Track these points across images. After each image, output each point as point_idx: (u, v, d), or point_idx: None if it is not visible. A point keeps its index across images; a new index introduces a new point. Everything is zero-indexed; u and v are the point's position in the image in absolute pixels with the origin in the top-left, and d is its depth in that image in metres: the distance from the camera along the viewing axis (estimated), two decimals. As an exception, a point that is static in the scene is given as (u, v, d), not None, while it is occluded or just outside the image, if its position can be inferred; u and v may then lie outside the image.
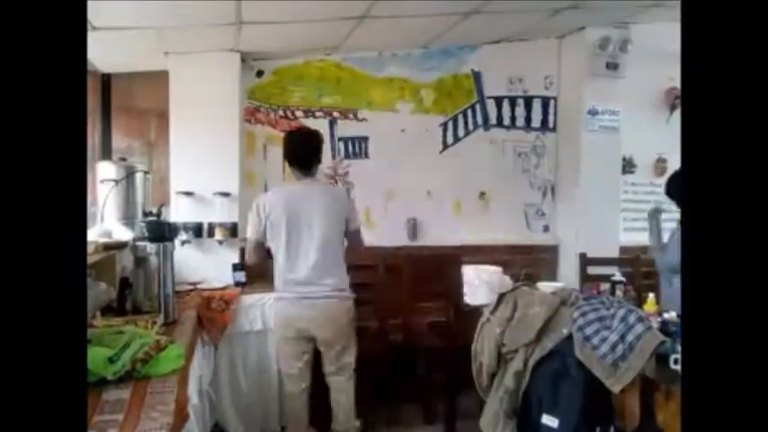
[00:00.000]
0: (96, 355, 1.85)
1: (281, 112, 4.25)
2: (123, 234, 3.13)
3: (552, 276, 4.41)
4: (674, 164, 4.72)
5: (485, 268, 3.24)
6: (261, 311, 3.56)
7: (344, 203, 3.05)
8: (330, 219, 2.94)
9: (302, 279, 2.90)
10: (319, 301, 2.91)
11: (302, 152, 3.02)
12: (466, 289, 3.20)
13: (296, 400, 3.06)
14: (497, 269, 3.22)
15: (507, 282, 3.15)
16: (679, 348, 2.07)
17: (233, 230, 3.87)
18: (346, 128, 4.38)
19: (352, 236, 3.09)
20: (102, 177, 3.32)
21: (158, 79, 3.85)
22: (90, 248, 2.54)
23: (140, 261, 2.89)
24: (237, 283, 3.77)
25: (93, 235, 2.95)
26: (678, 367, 2.06)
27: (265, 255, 3.03)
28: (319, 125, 4.26)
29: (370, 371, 4.15)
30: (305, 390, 3.05)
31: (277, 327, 3.07)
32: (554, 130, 4.74)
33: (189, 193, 3.81)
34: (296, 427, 3.09)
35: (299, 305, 2.92)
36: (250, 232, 3.00)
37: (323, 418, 3.14)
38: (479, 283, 3.14)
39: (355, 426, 3.14)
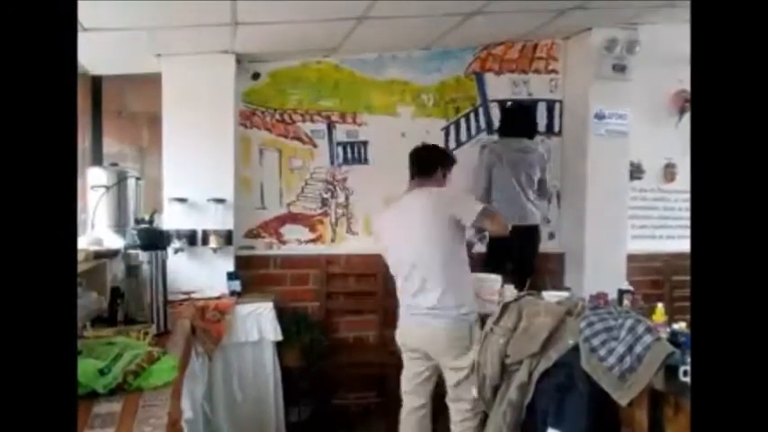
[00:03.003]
0: (86, 367, 1.83)
1: (277, 116, 4.18)
2: (114, 242, 3.09)
3: (558, 285, 4.31)
4: (684, 169, 4.66)
5: (478, 276, 3.17)
6: (257, 321, 3.54)
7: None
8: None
9: None
10: None
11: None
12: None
13: None
14: (497, 277, 3.15)
15: (510, 291, 3.09)
16: (689, 360, 2.02)
17: (228, 238, 3.80)
18: (345, 132, 4.30)
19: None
20: (93, 183, 3.28)
21: (151, 82, 3.79)
22: (80, 256, 2.51)
23: (132, 270, 2.84)
24: (232, 293, 3.71)
25: (84, 243, 2.92)
26: (688, 379, 2.01)
27: None
28: (317, 129, 4.23)
29: (372, 381, 4.12)
30: None
31: None
32: (559, 134, 4.65)
33: (182, 200, 3.75)
34: None
35: None
36: None
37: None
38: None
39: None
